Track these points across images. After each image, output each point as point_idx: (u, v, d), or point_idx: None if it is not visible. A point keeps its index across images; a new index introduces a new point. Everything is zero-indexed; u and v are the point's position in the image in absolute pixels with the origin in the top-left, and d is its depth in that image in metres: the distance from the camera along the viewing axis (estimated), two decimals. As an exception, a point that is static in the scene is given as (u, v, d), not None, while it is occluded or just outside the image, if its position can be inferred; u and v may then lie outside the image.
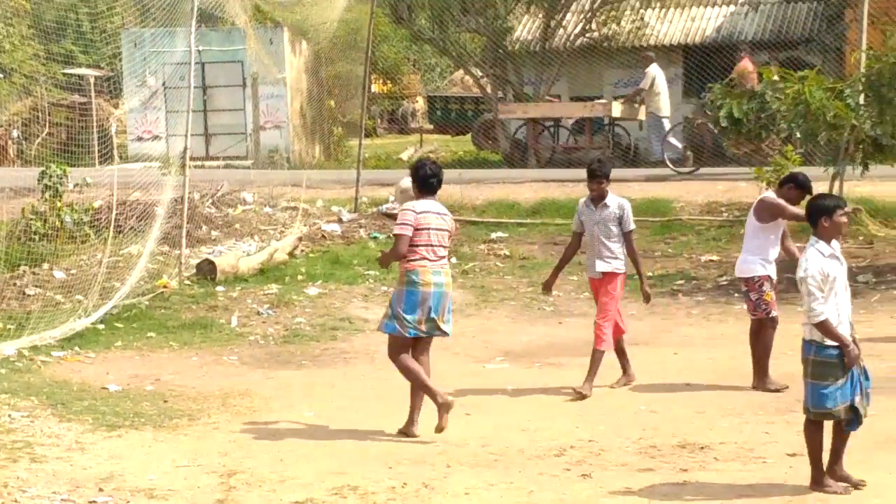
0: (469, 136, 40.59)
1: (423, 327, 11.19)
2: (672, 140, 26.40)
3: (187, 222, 19.22)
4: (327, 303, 17.58)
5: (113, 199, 19.54)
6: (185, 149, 18.98)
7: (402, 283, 11.24)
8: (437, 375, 11.39)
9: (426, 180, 11.36)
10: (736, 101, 20.27)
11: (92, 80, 29.71)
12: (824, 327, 8.80)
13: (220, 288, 17.99)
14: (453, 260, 19.02)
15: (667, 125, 26.54)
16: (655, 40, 33.36)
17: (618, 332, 13.03)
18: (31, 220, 19.97)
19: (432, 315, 11.16)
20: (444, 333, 11.35)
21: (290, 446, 10.79)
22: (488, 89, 34.84)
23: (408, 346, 11.29)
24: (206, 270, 18.42)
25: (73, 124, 26.14)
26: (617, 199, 12.95)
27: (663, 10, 34.38)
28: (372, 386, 13.34)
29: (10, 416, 11.69)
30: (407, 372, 11.23)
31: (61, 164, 20.79)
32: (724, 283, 18.38)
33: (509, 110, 30.50)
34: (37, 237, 19.62)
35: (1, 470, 9.82)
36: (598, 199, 12.81)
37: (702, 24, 34.41)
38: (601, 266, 12.78)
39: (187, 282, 18.20)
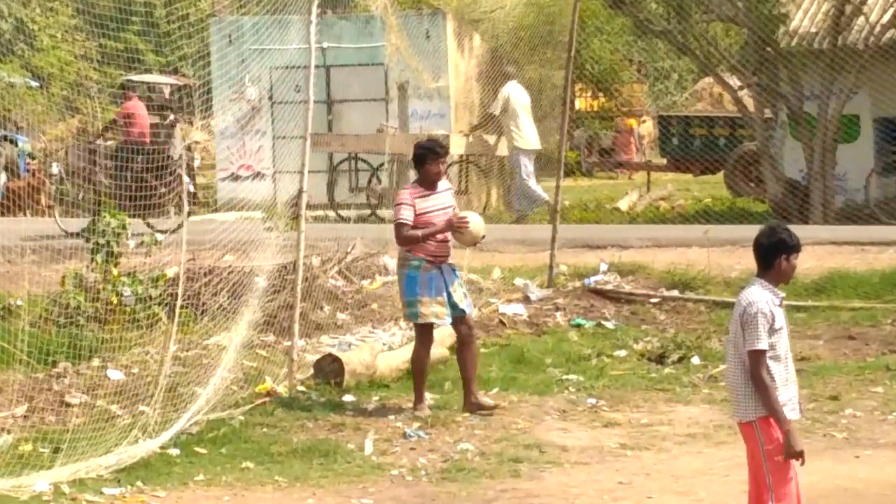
0: (721, 175, 40.58)
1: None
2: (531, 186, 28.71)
3: (302, 300, 19.48)
4: (507, 421, 17.64)
5: (181, 267, 19.85)
6: (301, 192, 19.24)
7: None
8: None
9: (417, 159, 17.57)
10: None
11: (167, 92, 30.33)
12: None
13: (348, 397, 18.21)
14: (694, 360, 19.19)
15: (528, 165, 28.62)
16: None
17: None
18: (76, 294, 20.40)
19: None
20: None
21: None
22: (750, 106, 34.58)
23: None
24: (329, 371, 18.65)
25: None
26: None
27: None
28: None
29: None
30: None
31: (119, 214, 21.19)
32: None
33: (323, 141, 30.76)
34: (83, 320, 20.03)
35: None
36: None
37: None
38: None
39: (301, 387, 18.44)
